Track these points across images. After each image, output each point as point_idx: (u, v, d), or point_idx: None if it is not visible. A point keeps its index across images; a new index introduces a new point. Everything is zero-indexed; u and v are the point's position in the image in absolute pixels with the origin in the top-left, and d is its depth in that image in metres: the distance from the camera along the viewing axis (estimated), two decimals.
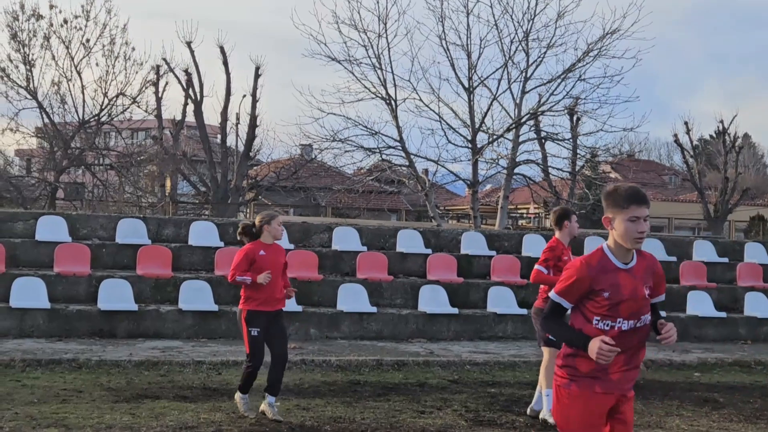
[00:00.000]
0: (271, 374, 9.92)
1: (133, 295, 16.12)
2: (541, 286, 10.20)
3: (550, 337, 9.54)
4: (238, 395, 10.12)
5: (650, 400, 11.94)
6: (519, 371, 14.24)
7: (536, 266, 9.91)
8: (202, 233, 18.41)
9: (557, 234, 10.25)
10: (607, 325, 5.15)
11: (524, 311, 17.73)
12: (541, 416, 10.11)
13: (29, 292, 15.58)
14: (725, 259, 21.27)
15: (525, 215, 54.29)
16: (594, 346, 5.00)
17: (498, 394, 11.98)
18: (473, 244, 19.78)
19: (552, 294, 5.30)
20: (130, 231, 18.24)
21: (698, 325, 18.57)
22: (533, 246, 20.28)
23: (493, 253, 19.75)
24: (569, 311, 5.31)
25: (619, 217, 5.14)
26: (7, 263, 16.60)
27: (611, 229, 5.22)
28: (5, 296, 15.58)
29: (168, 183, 38.06)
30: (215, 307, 16.15)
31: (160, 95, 34.86)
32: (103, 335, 15.42)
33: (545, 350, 9.99)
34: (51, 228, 17.83)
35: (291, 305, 16.46)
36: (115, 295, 15.97)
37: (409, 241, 19.61)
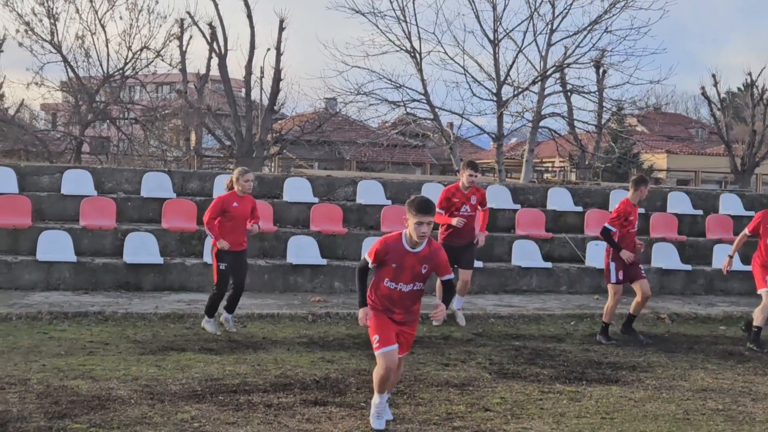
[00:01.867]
0: (231, 299, 12.22)
1: (158, 248, 16.22)
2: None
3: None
4: (204, 319, 12.15)
5: (675, 353, 11.93)
6: (543, 324, 14.25)
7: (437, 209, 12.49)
8: None
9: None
10: (393, 286, 7.48)
11: (549, 265, 17.69)
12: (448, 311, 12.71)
13: (55, 246, 15.70)
14: (752, 213, 21.02)
15: (550, 168, 53.98)
16: (361, 315, 7.56)
17: (522, 347, 11.99)
18: (498, 197, 19.66)
19: (364, 254, 7.56)
20: (155, 184, 18.30)
21: (724, 279, 18.43)
22: (558, 199, 20.19)
23: (518, 206, 19.68)
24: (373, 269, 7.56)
25: (411, 219, 7.30)
26: (34, 217, 16.72)
27: (406, 225, 7.35)
28: (32, 250, 15.71)
29: (193, 137, 38.09)
30: None
31: (184, 49, 34.71)
32: (129, 288, 15.54)
33: (461, 272, 13.51)
34: (76, 182, 17.91)
35: (315, 259, 16.59)
36: (141, 248, 16.06)
37: (434, 195, 19.45)
